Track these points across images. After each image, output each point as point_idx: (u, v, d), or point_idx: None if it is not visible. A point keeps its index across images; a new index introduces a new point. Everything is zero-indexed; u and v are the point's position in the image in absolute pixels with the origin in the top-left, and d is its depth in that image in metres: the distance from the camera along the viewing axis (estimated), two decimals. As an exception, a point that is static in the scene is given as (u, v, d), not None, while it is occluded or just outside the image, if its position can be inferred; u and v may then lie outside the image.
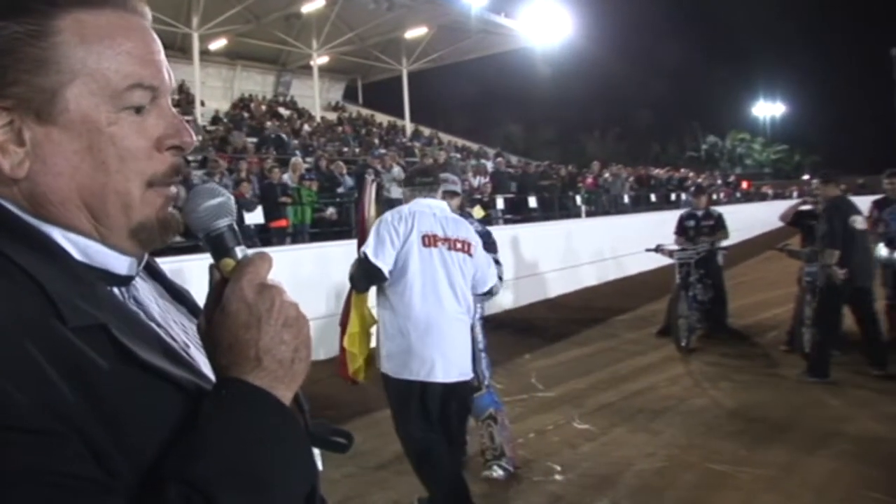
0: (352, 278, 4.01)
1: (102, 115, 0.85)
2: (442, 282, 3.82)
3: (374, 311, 4.13)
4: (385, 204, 12.46)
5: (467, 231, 4.03)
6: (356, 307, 4.23)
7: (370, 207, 4.72)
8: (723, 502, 4.67)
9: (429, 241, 3.83)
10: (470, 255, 3.96)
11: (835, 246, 7.26)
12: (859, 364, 7.78)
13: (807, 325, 8.04)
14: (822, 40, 54.79)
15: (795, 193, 32.82)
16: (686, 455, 5.45)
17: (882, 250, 8.08)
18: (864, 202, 9.43)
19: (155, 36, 0.92)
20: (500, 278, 5.07)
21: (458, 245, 3.91)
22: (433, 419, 3.86)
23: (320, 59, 30.20)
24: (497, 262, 5.01)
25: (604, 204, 19.86)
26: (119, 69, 0.86)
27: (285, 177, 12.77)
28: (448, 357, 3.77)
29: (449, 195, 4.93)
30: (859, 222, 7.45)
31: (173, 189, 0.93)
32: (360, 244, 4.23)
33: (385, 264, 3.77)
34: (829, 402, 6.76)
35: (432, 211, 3.96)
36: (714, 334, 9.22)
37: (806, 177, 41.68)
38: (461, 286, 3.91)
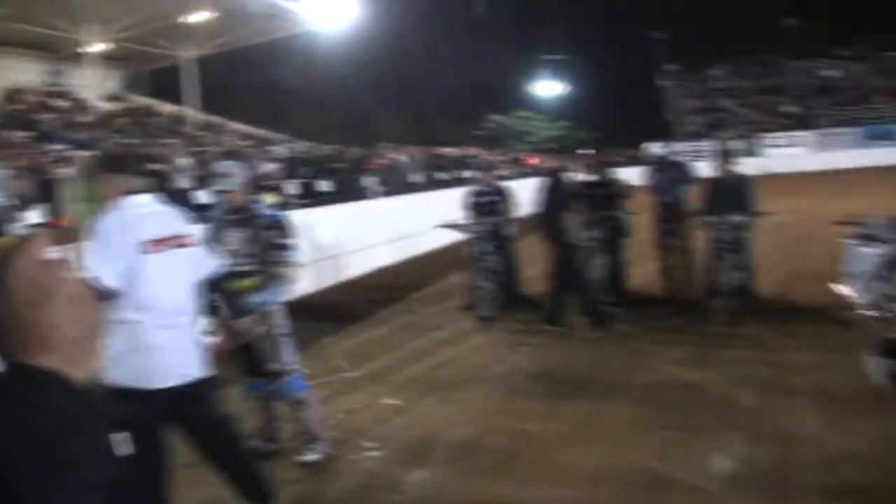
0: None
1: None
2: (168, 284, 3.52)
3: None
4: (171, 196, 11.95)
5: (181, 223, 3.71)
6: None
7: (68, 206, 4.25)
8: (533, 458, 4.87)
9: (151, 244, 3.48)
10: (192, 246, 3.68)
11: (552, 214, 8.19)
12: (641, 319, 8.48)
13: (596, 287, 8.60)
14: (598, 24, 57.97)
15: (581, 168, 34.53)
16: (495, 419, 5.64)
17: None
18: (637, 172, 10.19)
19: None
20: (293, 263, 5.03)
21: (179, 241, 3.61)
22: (168, 425, 3.56)
23: (97, 46, 28.28)
24: (286, 246, 4.96)
25: (396, 184, 20.05)
26: None
27: (64, 172, 11.94)
28: (180, 359, 3.54)
29: (224, 192, 4.90)
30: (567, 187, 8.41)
31: None
32: (64, 247, 3.83)
33: (113, 281, 3.35)
34: (619, 356, 7.23)
35: (144, 210, 3.59)
36: (510, 303, 9.54)
37: (583, 151, 43.92)
38: (189, 284, 3.65)
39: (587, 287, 8.25)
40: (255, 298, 4.89)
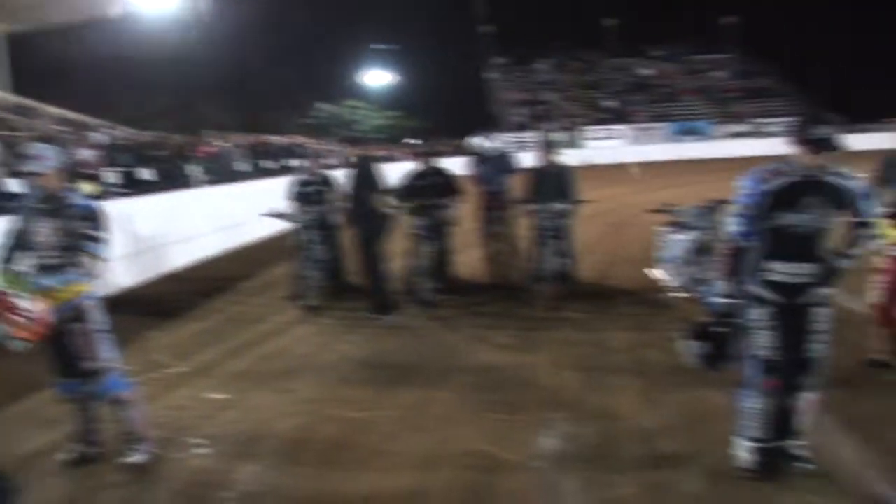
0: None
1: None
2: None
3: None
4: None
5: None
6: None
7: None
8: (364, 446, 4.89)
9: None
10: None
11: (356, 201, 8.28)
12: (467, 305, 8.71)
13: (423, 275, 8.74)
14: (428, 16, 58.55)
15: (408, 157, 34.72)
16: (324, 409, 5.62)
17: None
18: (463, 161, 10.39)
19: None
20: (102, 258, 4.72)
21: None
22: None
23: None
24: (97, 238, 4.65)
25: (221, 172, 19.47)
26: None
27: None
28: None
29: (34, 175, 4.64)
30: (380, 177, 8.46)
31: None
32: None
33: None
34: (448, 341, 7.38)
35: None
36: (337, 292, 9.49)
37: (411, 140, 44.44)
38: None
39: (382, 273, 8.35)
40: (45, 280, 4.57)
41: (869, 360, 5.95)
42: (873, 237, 4.15)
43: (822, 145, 3.83)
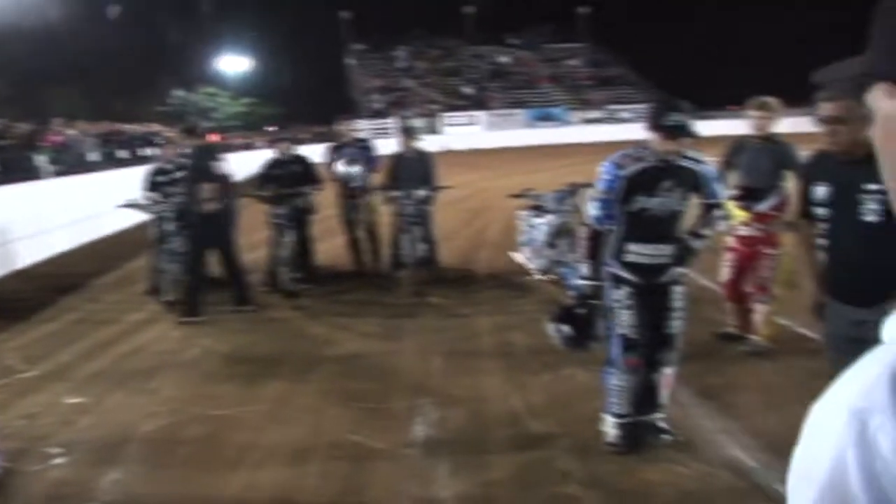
0: None
1: None
2: None
3: None
4: None
5: None
6: None
7: None
8: (233, 444, 4.81)
9: None
10: None
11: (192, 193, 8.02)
12: (330, 294, 8.71)
13: (284, 264, 8.64)
14: (285, 1, 57.83)
15: (267, 144, 34.12)
16: (189, 407, 5.48)
17: (340, 167, 9.07)
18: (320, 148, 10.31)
19: None
20: None
21: None
22: None
23: None
24: None
25: (72, 162, 18.58)
26: None
27: None
28: None
29: None
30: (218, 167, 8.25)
31: None
32: None
33: None
34: (312, 332, 7.36)
35: None
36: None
37: (270, 128, 43.81)
38: None
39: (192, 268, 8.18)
40: None
41: (720, 333, 6.30)
42: (724, 218, 4.38)
43: (677, 132, 4.00)
